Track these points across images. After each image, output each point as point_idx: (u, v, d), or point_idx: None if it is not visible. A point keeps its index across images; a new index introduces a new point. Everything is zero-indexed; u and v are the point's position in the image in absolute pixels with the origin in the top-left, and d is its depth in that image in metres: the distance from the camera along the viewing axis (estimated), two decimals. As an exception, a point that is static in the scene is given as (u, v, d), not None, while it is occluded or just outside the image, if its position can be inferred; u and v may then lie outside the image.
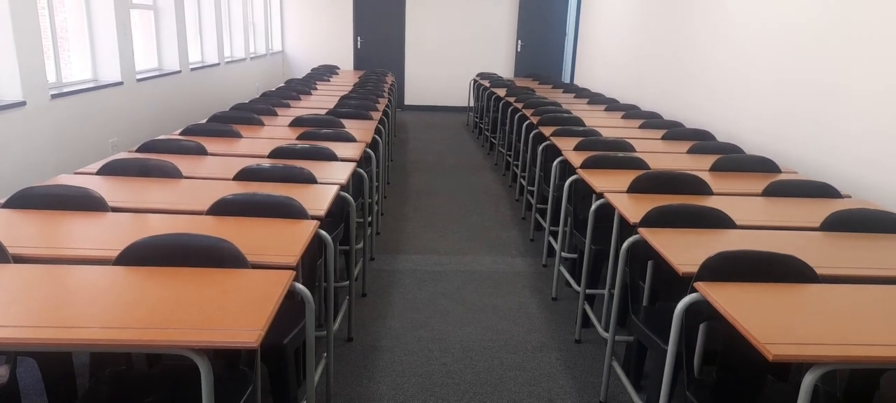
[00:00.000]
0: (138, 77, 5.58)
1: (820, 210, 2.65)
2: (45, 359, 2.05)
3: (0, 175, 3.70)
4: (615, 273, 2.49)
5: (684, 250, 2.09)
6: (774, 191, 2.95)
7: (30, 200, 2.25)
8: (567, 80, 10.27)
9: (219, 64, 7.70)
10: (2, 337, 1.35)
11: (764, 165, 3.44)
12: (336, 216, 3.20)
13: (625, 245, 2.33)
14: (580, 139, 3.89)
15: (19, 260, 1.80)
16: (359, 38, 10.69)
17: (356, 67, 10.78)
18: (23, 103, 3.89)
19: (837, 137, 3.44)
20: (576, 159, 3.40)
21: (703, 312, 1.86)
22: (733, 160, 3.46)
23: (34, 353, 2.06)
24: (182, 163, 2.93)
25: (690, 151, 3.89)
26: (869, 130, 3.20)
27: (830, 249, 2.21)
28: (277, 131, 4.09)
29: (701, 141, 4.10)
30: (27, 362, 2.57)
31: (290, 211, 2.29)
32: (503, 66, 10.84)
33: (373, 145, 3.98)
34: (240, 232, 2.06)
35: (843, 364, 1.46)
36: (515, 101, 5.96)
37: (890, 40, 3.09)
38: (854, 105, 3.32)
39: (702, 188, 2.91)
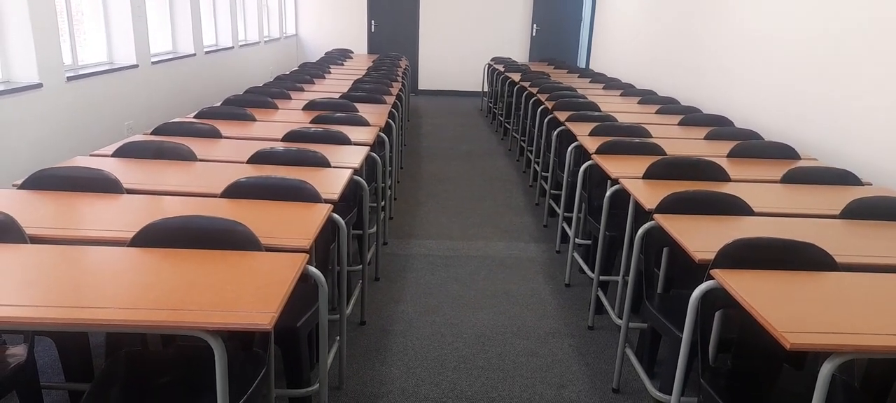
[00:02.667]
0: (153, 60, 5.60)
1: (840, 197, 2.61)
2: (61, 339, 2.08)
3: (17, 156, 3.74)
4: (630, 259, 2.47)
5: (700, 237, 2.07)
6: (793, 177, 2.91)
7: (46, 181, 2.27)
8: (582, 65, 10.17)
9: (233, 47, 7.71)
10: (19, 316, 1.36)
11: (783, 152, 3.39)
12: (349, 200, 3.19)
13: (640, 231, 2.31)
14: (595, 124, 3.85)
15: (36, 240, 1.82)
16: (373, 21, 10.65)
17: (370, 51, 10.75)
18: (39, 85, 3.92)
19: (858, 124, 3.37)
20: (591, 145, 3.37)
21: (718, 299, 1.84)
22: (752, 146, 3.41)
23: (51, 332, 2.09)
24: (196, 145, 2.94)
25: (708, 137, 3.85)
26: (890, 117, 3.13)
27: (850, 237, 2.18)
28: (291, 115, 4.09)
29: (719, 127, 4.05)
30: (44, 341, 2.61)
31: (303, 194, 2.29)
32: (518, 51, 10.76)
33: (386, 129, 3.97)
34: (253, 215, 2.06)
35: (862, 353, 1.44)
36: (530, 86, 5.91)
37: (915, 25, 3.02)
38: (875, 92, 3.25)
39: (719, 174, 2.87)
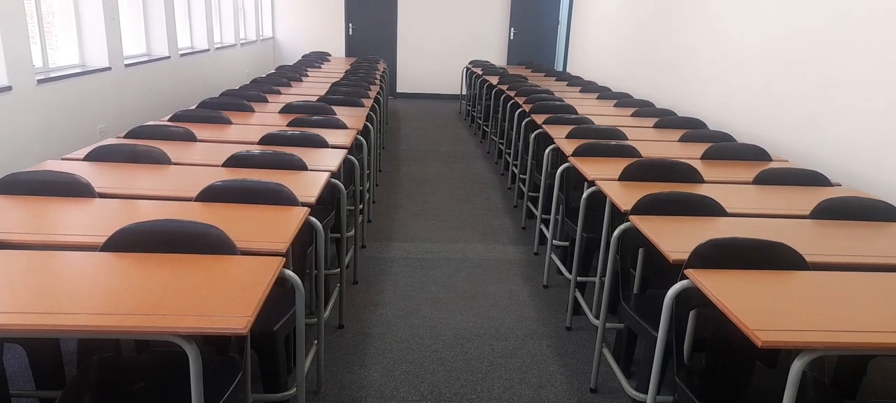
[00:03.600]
0: (126, 62, 5.52)
1: (810, 198, 2.66)
2: (32, 345, 2.03)
3: (-14, 161, 3.66)
4: (606, 260, 2.50)
5: (675, 237, 2.10)
6: (765, 179, 2.96)
7: (16, 186, 2.22)
8: (560, 68, 10.25)
9: (208, 50, 7.63)
10: (-13, 324, 1.33)
11: (755, 153, 3.45)
12: (327, 203, 3.18)
13: (616, 232, 2.33)
14: (572, 127, 3.88)
15: (5, 246, 1.78)
16: (350, 24, 10.62)
17: (348, 54, 10.71)
18: (9, 88, 3.84)
19: (828, 126, 3.45)
20: (568, 147, 3.40)
21: (693, 299, 1.87)
22: (725, 148, 3.47)
23: (21, 339, 2.05)
24: (171, 149, 2.90)
25: (682, 139, 3.90)
26: (860, 120, 3.21)
27: (820, 237, 2.22)
28: (268, 118, 4.06)
29: (693, 129, 4.10)
30: (14, 348, 2.55)
31: (280, 197, 2.27)
32: (496, 54, 10.81)
33: (364, 132, 3.96)
34: (229, 219, 2.04)
35: (832, 350, 1.47)
36: (508, 89, 5.94)
37: (881, 31, 3.09)
38: (845, 94, 3.33)
39: (693, 176, 2.91)
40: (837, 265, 1.96)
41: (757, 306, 1.59)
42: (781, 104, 3.90)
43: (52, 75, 4.45)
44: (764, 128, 4.08)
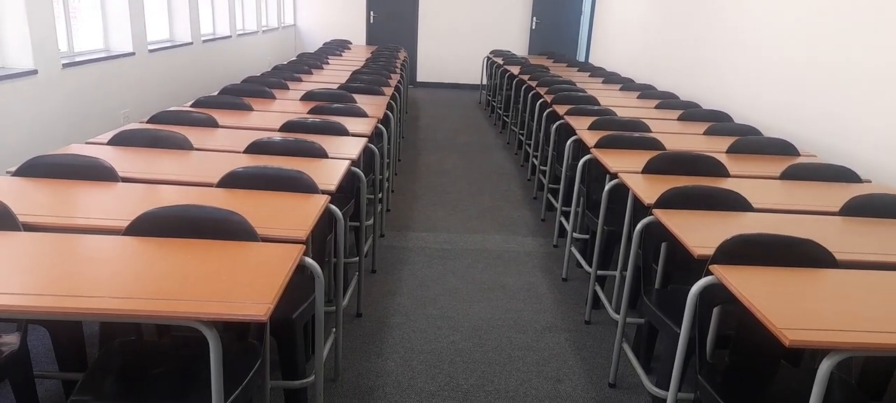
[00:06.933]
0: (150, 48, 5.56)
1: (839, 194, 2.60)
2: (55, 327, 2.06)
3: (11, 143, 3.71)
4: (628, 254, 2.46)
5: (700, 232, 2.06)
6: (793, 174, 2.90)
7: (40, 169, 2.25)
8: (582, 59, 10.14)
9: (231, 36, 7.67)
10: (12, 305, 1.34)
11: (782, 148, 3.38)
12: (346, 191, 3.18)
13: (639, 226, 2.30)
14: (594, 118, 3.83)
15: (29, 228, 1.80)
16: (372, 12, 10.60)
17: (368, 42, 10.70)
18: (34, 72, 3.88)
19: (857, 120, 3.37)
20: (590, 139, 3.36)
21: (716, 295, 1.83)
22: (751, 142, 3.40)
23: (45, 321, 2.07)
24: (193, 134, 2.92)
25: (707, 133, 3.83)
26: (890, 114, 3.13)
27: (849, 234, 2.17)
28: (289, 105, 4.06)
29: (718, 122, 4.04)
30: (38, 330, 2.59)
31: (300, 185, 2.27)
32: (517, 44, 10.72)
33: (384, 121, 3.95)
34: (250, 206, 2.05)
35: (861, 351, 1.43)
36: (529, 79, 5.89)
37: (917, 22, 3.00)
38: (875, 88, 3.24)
39: (718, 170, 2.86)
40: (867, 263, 1.92)
41: (784, 304, 1.55)
42: (810, 97, 3.82)
43: (77, 60, 4.49)
44: (792, 121, 4.00)
